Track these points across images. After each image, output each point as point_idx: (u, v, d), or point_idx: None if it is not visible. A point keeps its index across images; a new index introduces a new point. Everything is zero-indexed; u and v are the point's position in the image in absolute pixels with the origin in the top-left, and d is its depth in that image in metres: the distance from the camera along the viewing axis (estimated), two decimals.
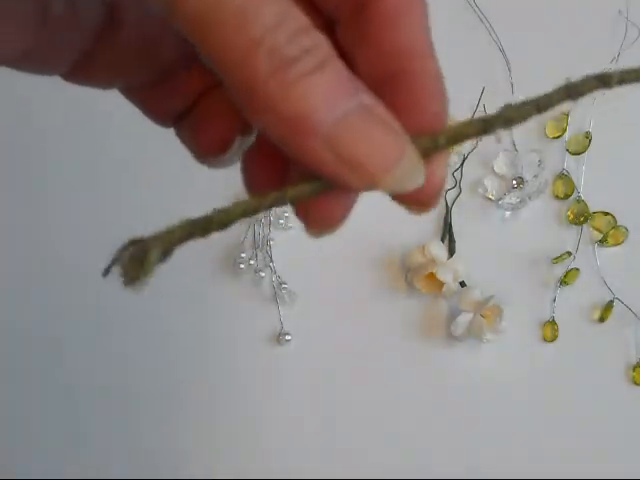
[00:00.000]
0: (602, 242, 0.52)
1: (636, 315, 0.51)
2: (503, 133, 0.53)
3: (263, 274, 0.49)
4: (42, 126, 0.52)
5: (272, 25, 0.16)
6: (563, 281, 0.51)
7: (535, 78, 0.53)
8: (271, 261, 0.50)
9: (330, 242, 0.51)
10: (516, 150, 0.52)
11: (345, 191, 0.19)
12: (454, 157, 0.52)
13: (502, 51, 0.54)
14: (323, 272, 0.50)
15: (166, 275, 0.53)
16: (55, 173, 0.51)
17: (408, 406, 0.49)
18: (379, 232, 0.51)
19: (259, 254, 0.50)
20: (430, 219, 0.52)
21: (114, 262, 0.17)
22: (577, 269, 0.51)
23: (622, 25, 0.54)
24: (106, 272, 0.18)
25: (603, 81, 0.18)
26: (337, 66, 0.17)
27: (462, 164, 0.52)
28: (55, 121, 0.52)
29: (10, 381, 0.49)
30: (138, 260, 0.18)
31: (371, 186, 0.17)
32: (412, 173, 0.18)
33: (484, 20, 0.54)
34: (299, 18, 0.16)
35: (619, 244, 0.52)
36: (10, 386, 0.49)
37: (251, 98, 0.16)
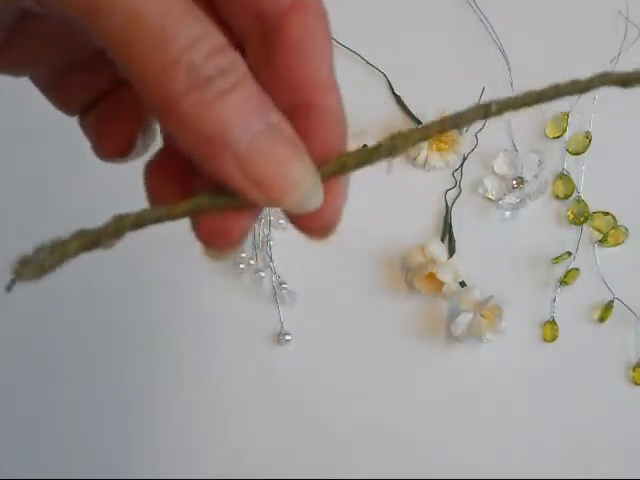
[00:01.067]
0: (602, 242, 0.52)
1: (636, 315, 0.51)
2: (502, 133, 0.53)
3: (263, 274, 0.49)
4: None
5: (189, 44, 0.16)
6: (563, 281, 0.51)
7: (535, 78, 0.53)
8: (271, 261, 0.50)
9: (330, 242, 0.51)
10: (516, 150, 0.52)
11: (252, 206, 0.19)
12: (454, 157, 0.52)
13: (502, 51, 0.54)
14: (323, 272, 0.50)
15: (166, 275, 0.54)
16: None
17: (408, 406, 0.49)
18: (379, 232, 0.51)
19: (259, 254, 0.50)
20: (430, 219, 0.52)
21: (17, 267, 0.18)
22: (577, 269, 0.51)
23: (622, 25, 0.54)
24: (10, 285, 0.18)
25: (485, 112, 0.19)
26: (251, 86, 0.17)
27: (462, 164, 0.52)
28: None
29: (10, 381, 0.49)
30: (32, 265, 0.18)
31: (274, 204, 0.18)
32: (311, 194, 0.19)
33: (484, 20, 0.54)
34: (217, 38, 0.17)
35: (619, 244, 0.52)
36: (10, 385, 0.49)
37: (167, 114, 0.17)
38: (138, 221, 0.19)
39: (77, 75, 0.22)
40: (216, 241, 0.20)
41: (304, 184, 0.18)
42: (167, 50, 0.16)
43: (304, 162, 0.18)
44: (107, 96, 0.23)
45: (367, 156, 0.21)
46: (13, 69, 0.22)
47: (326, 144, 0.20)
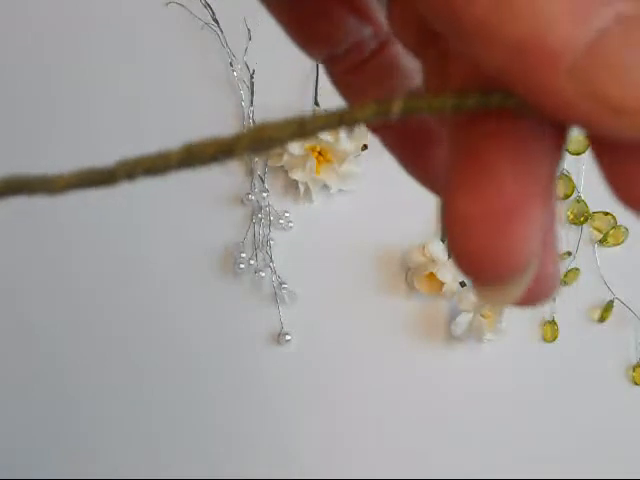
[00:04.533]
0: (602, 242, 0.52)
1: (636, 315, 0.51)
2: None
3: (263, 274, 0.49)
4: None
5: None
6: (563, 281, 0.51)
7: None
8: (271, 261, 0.50)
9: (330, 242, 0.51)
10: None
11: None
12: None
13: None
14: (323, 272, 0.50)
15: (166, 275, 0.54)
16: None
17: (408, 406, 0.49)
18: (379, 232, 0.51)
19: (259, 254, 0.50)
20: (430, 219, 0.52)
21: None
22: (577, 269, 0.51)
23: None
24: None
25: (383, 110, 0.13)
26: None
27: None
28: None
29: (10, 381, 0.49)
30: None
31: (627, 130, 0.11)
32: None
33: None
34: None
35: (619, 244, 0.52)
36: (10, 386, 0.49)
37: (455, 18, 0.12)
38: (349, 118, 0.13)
39: (325, 17, 0.17)
40: (487, 271, 0.12)
41: None
42: None
43: None
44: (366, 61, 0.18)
45: (219, 148, 0.14)
46: None
47: None
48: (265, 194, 0.50)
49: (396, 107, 0.13)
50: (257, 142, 0.14)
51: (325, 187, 0.50)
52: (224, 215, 0.50)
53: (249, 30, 0.50)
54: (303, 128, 0.14)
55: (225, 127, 0.52)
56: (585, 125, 0.12)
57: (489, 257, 0.12)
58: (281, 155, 0.49)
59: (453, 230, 0.12)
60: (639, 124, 0.11)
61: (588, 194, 0.52)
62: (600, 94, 0.11)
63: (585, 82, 0.11)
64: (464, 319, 0.48)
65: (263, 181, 0.51)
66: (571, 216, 0.52)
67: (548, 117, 0.12)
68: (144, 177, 0.14)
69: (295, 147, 0.48)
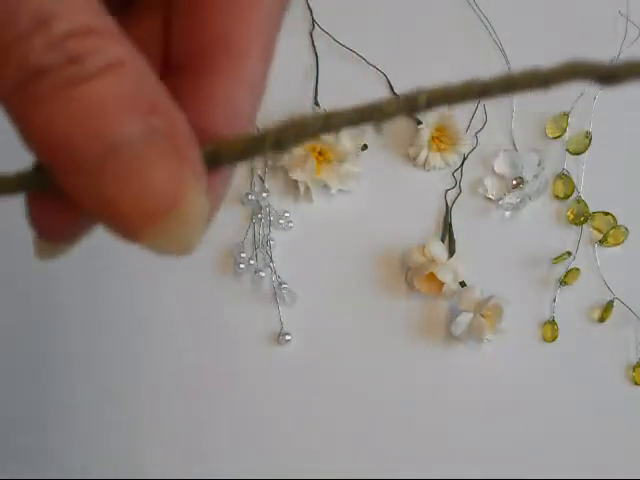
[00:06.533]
0: (602, 242, 0.52)
1: (636, 315, 0.51)
2: (502, 133, 0.53)
3: (263, 274, 0.49)
4: None
5: (29, 29, 0.12)
6: (563, 281, 0.51)
7: None
8: (271, 261, 0.50)
9: (330, 242, 0.51)
10: (516, 150, 0.52)
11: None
12: (454, 157, 0.52)
13: (502, 51, 0.54)
14: (323, 272, 0.50)
15: (166, 275, 0.54)
16: None
17: (408, 406, 0.49)
18: (379, 232, 0.51)
19: (259, 254, 0.50)
20: (430, 219, 0.52)
21: None
22: (577, 269, 0.51)
23: (622, 25, 0.54)
24: None
25: (411, 104, 0.16)
26: (127, 73, 0.13)
27: (462, 164, 0.52)
28: None
29: (10, 381, 0.49)
30: None
31: (132, 238, 0.13)
32: (191, 226, 0.14)
33: (484, 19, 0.54)
34: (77, 15, 0.13)
35: (619, 244, 0.52)
36: (10, 386, 0.49)
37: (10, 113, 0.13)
38: (375, 113, 0.15)
39: None
40: (51, 229, 0.16)
41: (185, 209, 0.13)
42: None
43: (190, 179, 0.13)
44: None
45: (249, 145, 0.15)
46: None
47: (223, 113, 0.15)
48: (265, 194, 0.50)
49: (421, 100, 0.14)
50: (283, 138, 0.15)
51: (325, 187, 0.50)
52: (224, 215, 0.50)
53: None
54: (328, 123, 0.15)
55: None
56: (92, 214, 0.13)
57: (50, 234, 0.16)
58: (281, 155, 0.49)
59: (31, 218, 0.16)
60: (123, 226, 0.13)
61: (588, 194, 0.52)
62: (101, 191, 0.13)
63: (97, 182, 0.13)
64: (464, 319, 0.48)
65: (263, 181, 0.51)
66: (571, 216, 0.52)
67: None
68: None
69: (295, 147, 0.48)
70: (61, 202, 0.15)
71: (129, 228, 0.13)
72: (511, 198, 0.51)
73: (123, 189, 0.13)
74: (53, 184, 0.14)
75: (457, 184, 0.52)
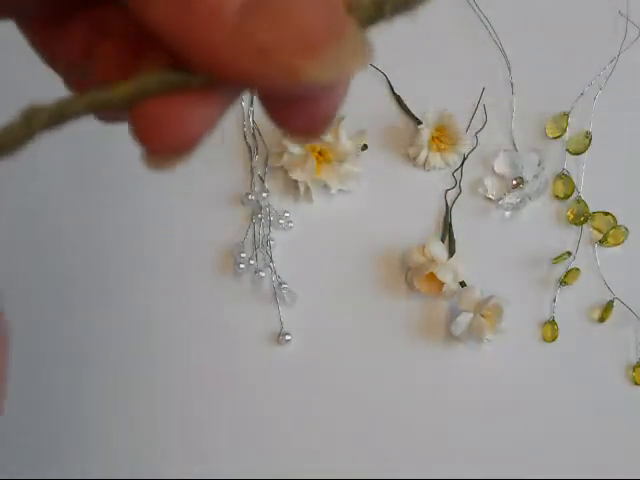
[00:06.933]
0: (602, 242, 0.52)
1: (636, 315, 0.51)
2: (502, 133, 0.53)
3: (263, 274, 0.49)
4: None
5: None
6: (563, 281, 0.51)
7: (535, 78, 0.53)
8: (271, 261, 0.50)
9: (330, 242, 0.51)
10: (516, 150, 0.52)
11: (225, 86, 0.14)
12: (454, 157, 0.52)
13: (502, 51, 0.54)
14: (323, 272, 0.50)
15: (166, 275, 0.54)
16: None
17: (408, 406, 0.49)
18: (379, 232, 0.51)
19: (259, 254, 0.50)
20: (430, 219, 0.52)
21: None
22: (577, 269, 0.51)
23: (622, 25, 0.54)
24: None
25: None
26: None
27: (462, 164, 0.52)
28: None
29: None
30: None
31: (291, 76, 0.13)
32: (349, 55, 0.13)
33: (484, 20, 0.54)
34: None
35: (619, 244, 0.52)
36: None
37: None
38: (59, 112, 0.14)
39: (77, 22, 0.17)
40: (166, 137, 0.14)
41: (342, 41, 0.13)
42: None
43: (336, 11, 0.13)
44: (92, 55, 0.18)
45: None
46: None
47: None
48: (265, 194, 0.50)
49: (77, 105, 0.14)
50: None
51: (325, 187, 0.50)
52: (224, 215, 0.50)
53: None
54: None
55: (225, 126, 0.52)
56: (245, 79, 0.13)
57: (163, 143, 0.14)
58: (281, 155, 0.49)
59: (136, 127, 0.15)
60: (285, 65, 0.12)
61: (588, 194, 0.52)
62: (255, 43, 0.12)
63: (242, 35, 0.12)
64: (464, 319, 0.48)
65: (263, 181, 0.51)
66: (571, 216, 0.52)
67: (220, 81, 0.13)
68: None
69: (295, 147, 0.48)
70: (186, 98, 0.14)
71: (293, 64, 0.13)
72: (511, 198, 0.51)
73: (278, 26, 0.12)
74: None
75: (457, 184, 0.52)
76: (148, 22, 0.13)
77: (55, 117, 0.14)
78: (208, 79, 0.14)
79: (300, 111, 0.14)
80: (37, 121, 0.14)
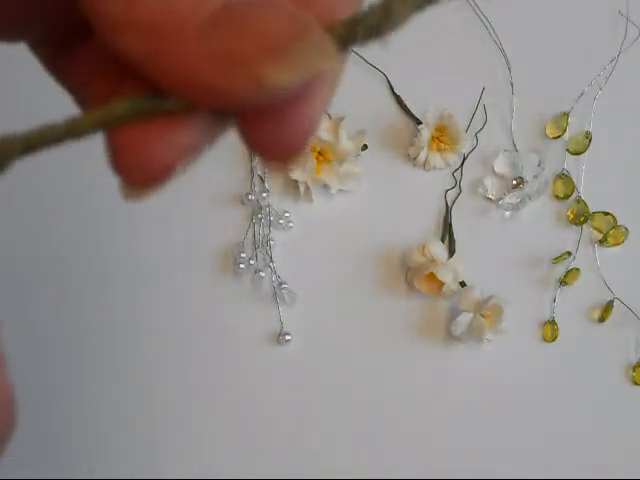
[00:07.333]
0: (602, 242, 0.52)
1: (636, 315, 0.51)
2: (502, 133, 0.53)
3: (263, 274, 0.49)
4: None
5: None
6: (563, 281, 0.51)
7: (535, 78, 0.53)
8: (271, 261, 0.50)
9: (330, 242, 0.51)
10: (516, 150, 0.52)
11: (199, 108, 0.14)
12: (454, 157, 0.52)
13: (502, 51, 0.54)
14: (323, 272, 0.50)
15: (166, 275, 0.54)
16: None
17: (408, 406, 0.49)
18: (379, 232, 0.51)
19: (259, 254, 0.50)
20: (430, 219, 0.52)
21: None
22: (577, 269, 0.51)
23: (622, 25, 0.54)
24: None
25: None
26: None
27: (462, 164, 0.52)
28: None
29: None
30: None
31: (256, 83, 0.13)
32: (312, 53, 0.13)
33: (484, 20, 0.54)
34: None
35: (619, 244, 0.52)
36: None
37: (94, 14, 0.13)
38: (29, 144, 0.14)
39: (77, 48, 0.16)
40: (140, 166, 0.14)
41: (303, 42, 0.13)
42: None
43: (298, 18, 0.13)
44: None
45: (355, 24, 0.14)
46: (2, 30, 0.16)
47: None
48: (265, 194, 0.50)
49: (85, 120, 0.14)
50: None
51: (325, 187, 0.50)
52: (224, 215, 0.50)
53: None
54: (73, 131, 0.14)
55: None
56: (211, 94, 0.13)
57: (140, 172, 0.14)
58: None
59: (114, 157, 0.14)
60: (249, 72, 0.12)
61: (588, 194, 0.52)
62: (219, 55, 0.12)
63: (206, 48, 0.12)
64: (464, 319, 0.48)
65: (263, 181, 0.51)
66: (571, 216, 0.52)
67: (190, 103, 0.13)
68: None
69: None
70: (162, 125, 0.14)
71: (257, 71, 0.13)
72: (511, 198, 0.51)
73: (241, 35, 0.12)
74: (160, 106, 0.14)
75: (457, 184, 0.52)
76: (117, 48, 0.13)
77: (25, 149, 0.14)
78: (179, 104, 0.14)
79: (271, 130, 0.14)
80: (7, 153, 0.14)
